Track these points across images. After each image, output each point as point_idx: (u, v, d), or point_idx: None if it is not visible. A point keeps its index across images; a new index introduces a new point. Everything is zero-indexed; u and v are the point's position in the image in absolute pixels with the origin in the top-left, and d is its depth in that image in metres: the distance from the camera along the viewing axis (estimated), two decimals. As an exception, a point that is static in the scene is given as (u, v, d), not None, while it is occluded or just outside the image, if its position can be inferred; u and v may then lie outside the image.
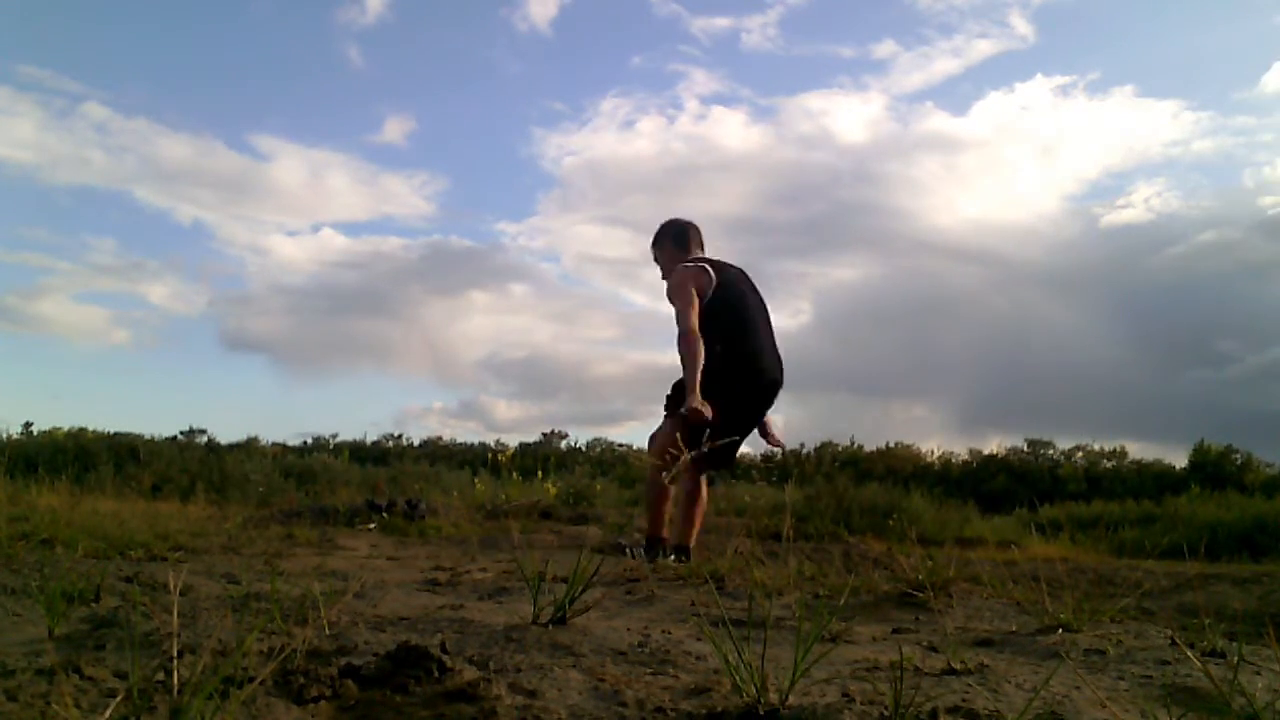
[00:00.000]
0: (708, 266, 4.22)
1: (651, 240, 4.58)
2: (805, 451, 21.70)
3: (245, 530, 5.80)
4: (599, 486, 10.79)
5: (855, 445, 22.07)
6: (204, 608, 2.29)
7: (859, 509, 9.40)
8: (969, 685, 1.71)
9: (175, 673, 1.33)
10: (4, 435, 12.67)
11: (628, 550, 4.20)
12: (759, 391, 4.26)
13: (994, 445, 22.65)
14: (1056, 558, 5.72)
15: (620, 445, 24.59)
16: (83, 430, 14.12)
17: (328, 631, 2.02)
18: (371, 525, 6.90)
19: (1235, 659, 1.80)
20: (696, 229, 4.54)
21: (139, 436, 14.27)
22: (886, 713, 1.45)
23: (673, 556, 4.04)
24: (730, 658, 1.53)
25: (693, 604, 2.88)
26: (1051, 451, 22.44)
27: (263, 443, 19.64)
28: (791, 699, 1.48)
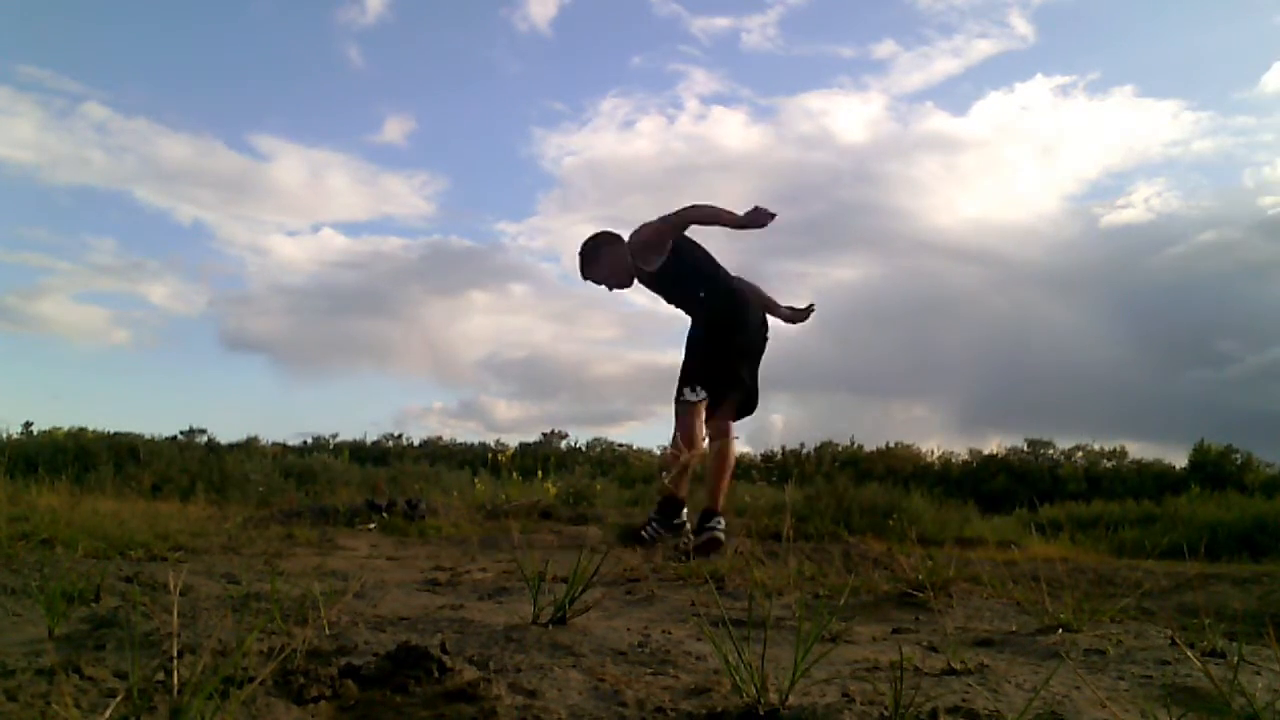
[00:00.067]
0: None
1: (585, 271, 4.27)
2: (805, 451, 21.69)
3: (245, 530, 5.80)
4: (599, 486, 10.79)
5: (855, 445, 22.05)
6: (204, 608, 2.29)
7: (859, 509, 9.38)
8: (969, 685, 1.71)
9: (175, 673, 1.33)
10: (4, 435, 12.68)
11: (646, 533, 4.05)
12: (754, 319, 4.20)
13: (994, 445, 22.64)
14: (1056, 558, 5.71)
15: (620, 445, 24.59)
16: (83, 430, 14.12)
17: (328, 631, 2.02)
18: (371, 525, 6.90)
19: (1235, 659, 1.80)
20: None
21: (139, 436, 14.27)
22: (886, 713, 1.45)
23: (696, 533, 3.93)
24: (730, 658, 1.53)
25: (693, 604, 2.88)
26: (1051, 451, 22.43)
27: (263, 443, 19.65)
28: (791, 699, 1.48)
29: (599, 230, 4.37)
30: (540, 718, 1.43)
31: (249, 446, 18.43)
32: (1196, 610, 2.76)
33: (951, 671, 1.82)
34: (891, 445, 22.09)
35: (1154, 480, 18.54)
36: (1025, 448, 22.43)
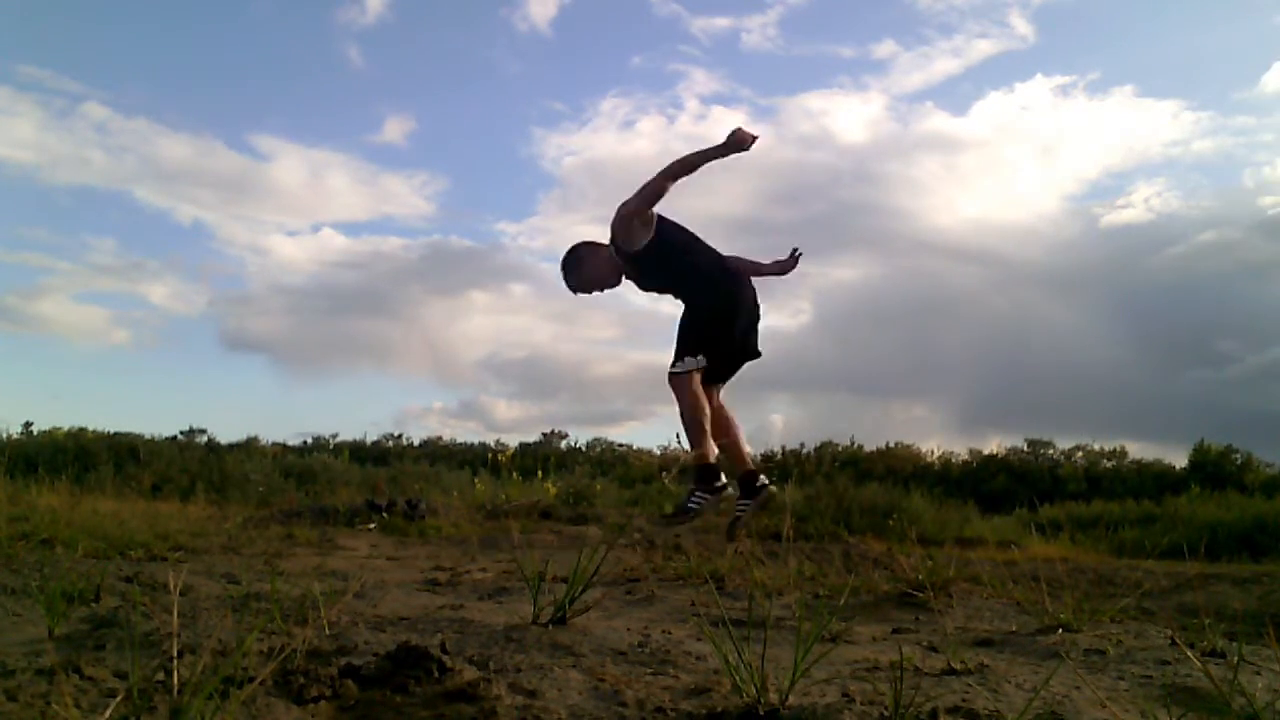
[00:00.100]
0: None
1: (571, 282, 4.14)
2: (805, 451, 21.66)
3: (245, 530, 5.80)
4: (599, 486, 10.78)
5: (855, 445, 22.01)
6: (204, 608, 2.29)
7: (859, 509, 9.38)
8: (969, 685, 1.71)
9: (175, 673, 1.33)
10: (4, 435, 12.67)
11: (693, 504, 3.90)
12: (750, 296, 4.16)
13: (994, 445, 22.59)
14: (1056, 558, 5.71)
15: (620, 445, 24.55)
16: (83, 430, 14.12)
17: (328, 631, 2.02)
18: (371, 525, 6.90)
19: (1235, 659, 1.80)
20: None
21: (139, 436, 14.27)
22: (886, 713, 1.45)
23: (746, 496, 3.85)
24: (730, 658, 1.53)
25: (693, 604, 2.88)
26: (1051, 451, 22.41)
27: (263, 443, 19.63)
28: (791, 699, 1.48)
29: (574, 244, 4.35)
30: (540, 718, 1.43)
31: (249, 446, 18.42)
32: (1196, 610, 2.76)
33: (951, 671, 1.82)
34: (891, 445, 22.07)
35: (1154, 480, 18.52)
36: (1025, 448, 22.41)
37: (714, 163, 4.03)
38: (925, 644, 2.28)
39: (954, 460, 22.01)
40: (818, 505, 9.38)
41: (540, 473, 11.28)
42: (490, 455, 16.31)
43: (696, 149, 3.95)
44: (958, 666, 1.84)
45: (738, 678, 1.51)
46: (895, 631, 2.55)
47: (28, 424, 15.55)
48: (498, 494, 9.39)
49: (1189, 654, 1.88)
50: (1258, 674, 1.86)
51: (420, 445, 24.01)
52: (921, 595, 3.02)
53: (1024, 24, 32.23)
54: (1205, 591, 3.94)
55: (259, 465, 12.20)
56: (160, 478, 10.42)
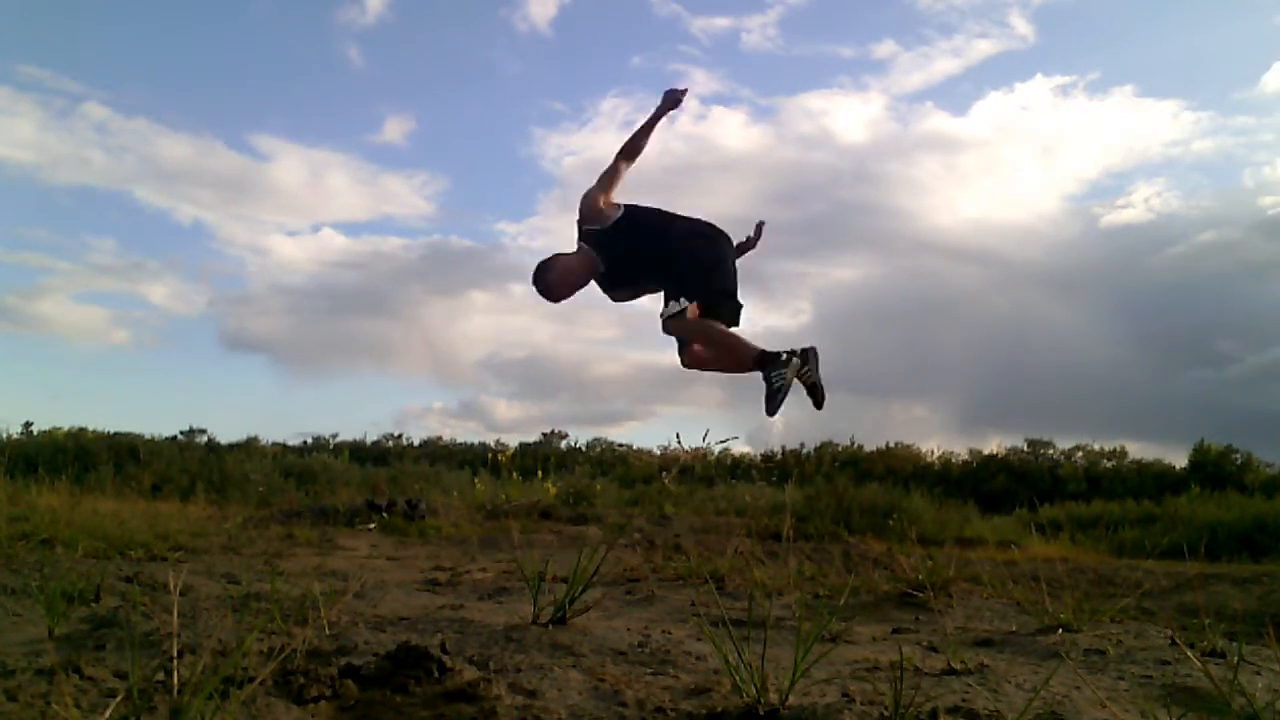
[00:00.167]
0: None
1: (550, 294, 4.05)
2: (805, 451, 21.66)
3: (245, 530, 5.80)
4: (599, 486, 10.78)
5: (855, 445, 22.01)
6: (204, 608, 2.29)
7: (859, 509, 9.38)
8: (969, 685, 1.71)
9: (175, 673, 1.33)
10: (4, 435, 12.68)
11: (777, 383, 3.76)
12: (730, 250, 4.15)
13: (994, 445, 22.59)
14: (1056, 558, 5.71)
15: (620, 445, 24.55)
16: (83, 430, 14.12)
17: (328, 631, 2.02)
18: (371, 525, 6.90)
19: (1235, 659, 1.80)
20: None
21: (139, 436, 14.27)
22: (886, 713, 1.45)
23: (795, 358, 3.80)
24: (730, 658, 1.53)
25: (693, 604, 2.89)
26: (1051, 451, 22.41)
27: (263, 443, 19.62)
28: (791, 699, 1.48)
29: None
30: (540, 718, 1.43)
31: (249, 446, 18.41)
32: (1196, 610, 2.76)
33: (951, 671, 1.82)
34: (891, 445, 22.07)
35: (1154, 480, 18.51)
36: (1025, 448, 22.42)
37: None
38: (925, 644, 2.28)
39: (954, 460, 22.00)
40: (818, 505, 9.38)
41: (540, 473, 11.28)
42: (490, 455, 16.31)
43: (640, 125, 4.06)
44: (958, 666, 1.84)
45: (738, 678, 1.51)
46: (895, 631, 2.55)
47: (28, 424, 15.56)
48: (498, 494, 9.39)
49: (1189, 654, 1.88)
50: (1258, 674, 1.86)
51: (420, 445, 24.01)
52: (921, 595, 3.02)
53: (1024, 24, 32.24)
54: (1205, 591, 3.94)
55: (259, 465, 12.20)
56: (160, 478, 10.42)
